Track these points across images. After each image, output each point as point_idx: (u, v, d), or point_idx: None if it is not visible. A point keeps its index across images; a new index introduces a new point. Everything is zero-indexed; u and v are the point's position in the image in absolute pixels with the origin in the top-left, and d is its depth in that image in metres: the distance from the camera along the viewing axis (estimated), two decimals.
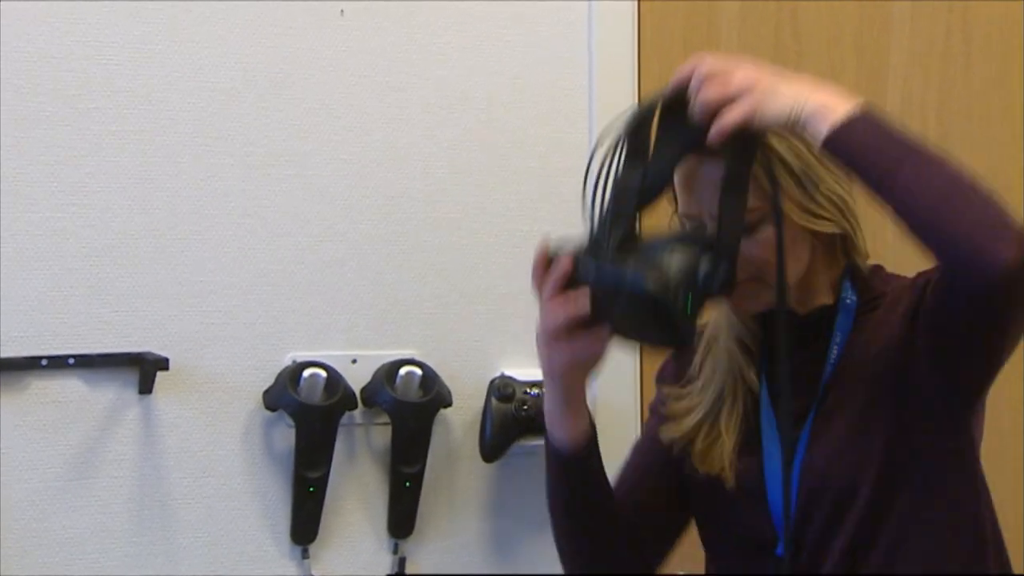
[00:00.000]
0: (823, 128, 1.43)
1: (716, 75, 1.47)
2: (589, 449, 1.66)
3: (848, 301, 1.63)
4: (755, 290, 1.58)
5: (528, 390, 2.09)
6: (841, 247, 1.62)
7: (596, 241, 1.52)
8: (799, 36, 2.32)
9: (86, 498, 1.94)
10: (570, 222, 2.17)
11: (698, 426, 1.69)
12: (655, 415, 1.77)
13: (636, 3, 2.23)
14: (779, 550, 1.64)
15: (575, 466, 1.67)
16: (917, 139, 1.44)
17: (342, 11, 2.07)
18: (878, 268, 1.66)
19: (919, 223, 1.41)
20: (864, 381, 1.61)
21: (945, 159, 1.42)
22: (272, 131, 2.03)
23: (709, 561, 1.79)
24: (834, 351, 1.63)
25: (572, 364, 1.57)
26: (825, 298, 1.64)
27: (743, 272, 1.52)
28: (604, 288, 1.48)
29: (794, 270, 1.59)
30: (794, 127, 1.45)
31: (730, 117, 1.45)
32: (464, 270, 2.13)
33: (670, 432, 1.71)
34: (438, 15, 2.11)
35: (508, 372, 2.12)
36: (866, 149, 1.43)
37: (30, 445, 1.91)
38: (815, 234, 1.59)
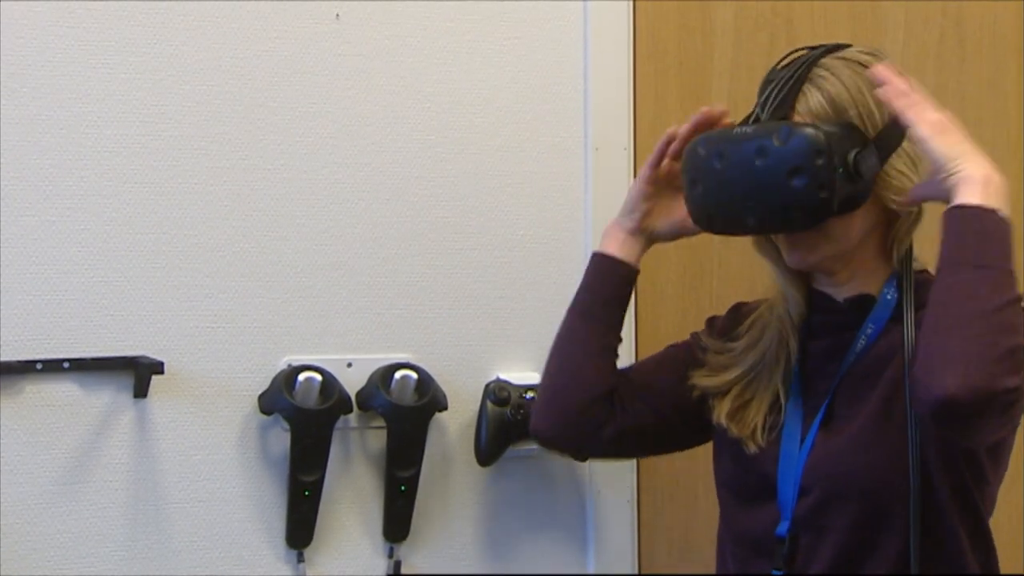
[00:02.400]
0: (968, 195, 1.51)
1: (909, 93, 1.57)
2: (628, 280, 1.85)
3: (889, 297, 1.67)
4: (815, 241, 1.66)
5: (524, 394, 2.08)
6: (902, 239, 1.67)
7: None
8: (793, 39, 2.32)
9: (81, 502, 1.94)
10: (566, 226, 2.19)
11: (732, 383, 1.76)
12: (693, 345, 1.85)
13: (631, 5, 2.24)
14: (781, 530, 1.67)
15: (612, 271, 1.84)
16: (1005, 259, 1.50)
17: (337, 14, 2.07)
18: (931, 279, 1.64)
19: (930, 315, 1.50)
20: (882, 378, 1.65)
21: (1006, 293, 1.48)
22: (267, 135, 2.03)
23: (720, 517, 1.84)
24: (861, 341, 1.68)
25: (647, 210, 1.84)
26: (869, 288, 1.69)
27: None
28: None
29: (842, 245, 1.66)
30: (941, 170, 1.53)
31: (902, 96, 1.56)
32: (459, 274, 2.13)
33: (703, 382, 1.79)
34: (433, 18, 2.11)
35: (503, 376, 2.12)
36: (966, 235, 1.51)
37: (25, 449, 1.91)
38: (883, 215, 1.65)
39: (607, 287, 1.84)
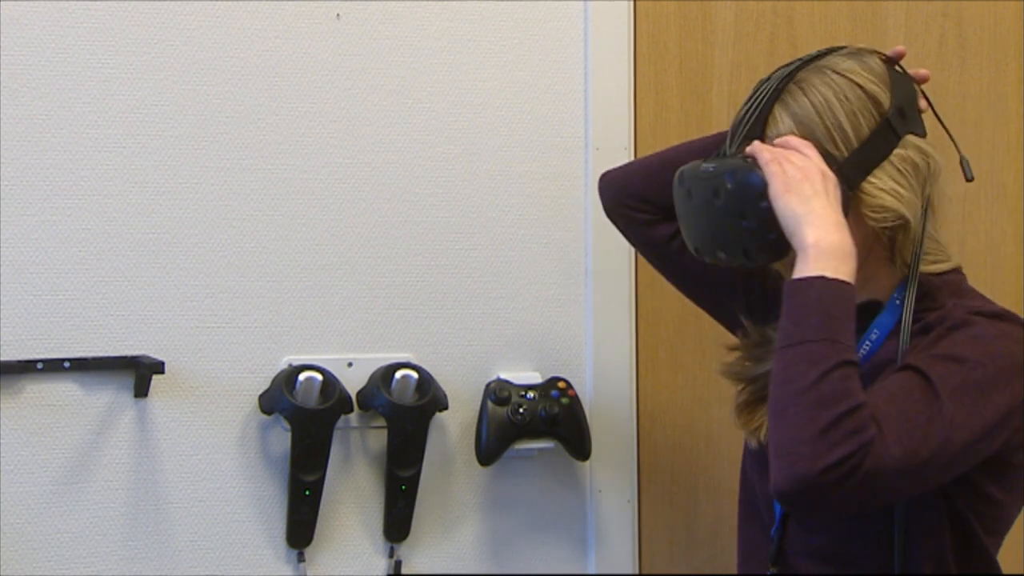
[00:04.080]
0: (799, 268, 1.51)
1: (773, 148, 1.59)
2: None
3: (897, 302, 1.62)
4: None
5: (524, 393, 2.09)
6: (901, 248, 1.62)
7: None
8: (794, 40, 2.33)
9: (82, 501, 1.94)
10: (567, 225, 2.19)
11: (756, 378, 1.72)
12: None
13: (632, 5, 2.24)
14: (772, 532, 1.67)
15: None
16: (824, 328, 1.48)
17: (338, 15, 2.07)
18: (952, 279, 1.62)
19: (772, 395, 1.48)
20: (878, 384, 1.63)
21: (822, 364, 1.46)
22: (268, 135, 2.03)
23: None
24: (865, 346, 1.64)
25: None
26: (878, 294, 1.65)
27: None
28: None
29: None
30: (789, 235, 1.54)
31: (765, 152, 1.58)
32: (460, 273, 2.13)
33: (728, 359, 1.78)
34: (434, 18, 2.11)
35: (504, 376, 2.12)
36: (788, 313, 1.50)
37: (26, 448, 1.91)
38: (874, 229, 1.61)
39: None
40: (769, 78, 1.64)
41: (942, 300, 1.60)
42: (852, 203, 1.58)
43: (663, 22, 2.27)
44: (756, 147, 1.59)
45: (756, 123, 1.62)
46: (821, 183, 1.54)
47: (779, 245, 1.56)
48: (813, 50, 1.66)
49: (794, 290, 1.51)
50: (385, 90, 2.09)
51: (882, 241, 1.62)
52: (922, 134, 1.63)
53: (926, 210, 1.62)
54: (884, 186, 1.59)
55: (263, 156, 2.02)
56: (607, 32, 2.21)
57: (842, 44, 1.67)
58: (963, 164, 1.66)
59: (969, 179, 1.66)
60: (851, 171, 1.58)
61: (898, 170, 1.59)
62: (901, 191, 1.59)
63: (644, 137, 2.24)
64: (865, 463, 1.42)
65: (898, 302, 1.63)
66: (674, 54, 2.28)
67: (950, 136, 1.67)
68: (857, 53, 1.65)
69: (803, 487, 1.42)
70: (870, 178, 1.59)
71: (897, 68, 1.65)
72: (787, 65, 1.65)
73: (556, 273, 2.18)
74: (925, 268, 1.62)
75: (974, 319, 1.54)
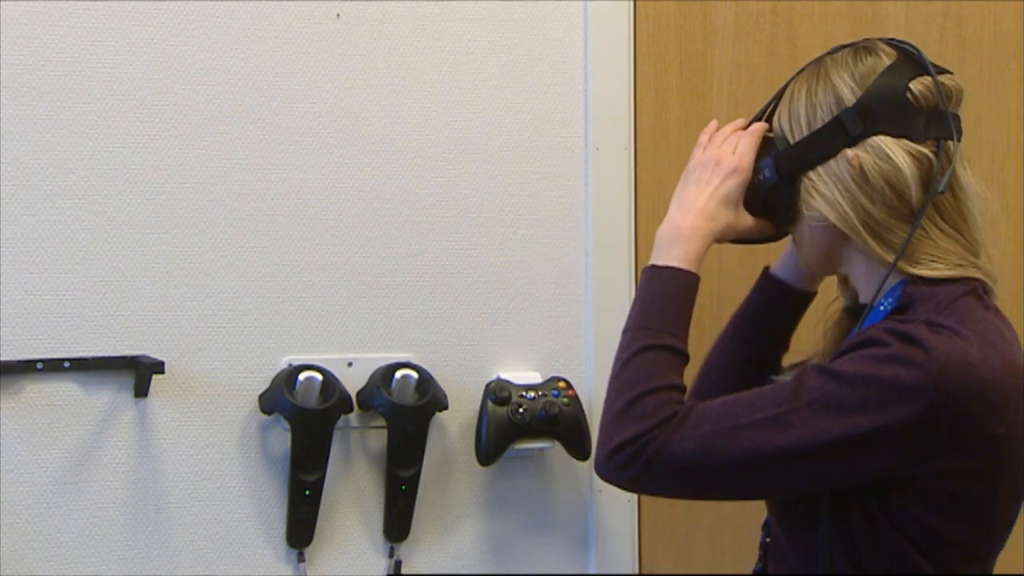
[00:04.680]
0: (657, 253, 1.64)
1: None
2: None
3: (882, 308, 1.58)
4: (798, 248, 1.69)
5: (524, 393, 2.09)
6: (867, 251, 1.59)
7: None
8: (794, 39, 2.33)
9: (82, 501, 1.94)
10: (565, 227, 2.19)
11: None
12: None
13: (632, 5, 2.24)
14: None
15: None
16: (640, 316, 1.61)
17: (338, 14, 2.07)
18: (946, 291, 1.55)
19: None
20: None
21: (627, 351, 1.59)
22: (268, 134, 2.03)
23: None
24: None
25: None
26: (864, 297, 1.62)
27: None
28: None
29: (808, 255, 1.66)
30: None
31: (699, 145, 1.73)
32: (460, 273, 2.13)
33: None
34: (434, 18, 2.11)
35: (504, 375, 2.12)
36: (635, 300, 1.64)
37: (26, 448, 1.91)
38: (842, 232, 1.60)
39: None
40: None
41: (924, 310, 1.52)
42: (794, 196, 1.61)
43: (663, 22, 2.27)
44: (705, 131, 1.71)
45: (771, 110, 1.68)
46: (711, 172, 1.64)
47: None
48: (810, 49, 1.68)
49: (640, 283, 1.64)
50: (385, 90, 2.09)
51: (841, 241, 1.61)
52: (915, 138, 1.56)
53: (919, 213, 1.54)
54: (819, 184, 1.59)
55: (263, 156, 2.02)
56: (607, 32, 2.21)
57: (838, 43, 1.66)
58: (942, 175, 1.59)
59: (941, 192, 1.57)
60: (786, 162, 1.61)
61: (838, 170, 1.57)
62: (830, 193, 1.57)
63: (644, 137, 2.24)
64: (648, 449, 1.48)
65: (883, 308, 1.59)
66: (674, 54, 2.28)
67: (938, 148, 1.59)
68: (865, 47, 1.62)
69: (600, 468, 1.54)
70: (810, 174, 1.59)
71: (910, 60, 1.59)
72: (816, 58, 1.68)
73: (556, 273, 2.18)
74: (917, 271, 1.55)
75: (882, 338, 1.49)
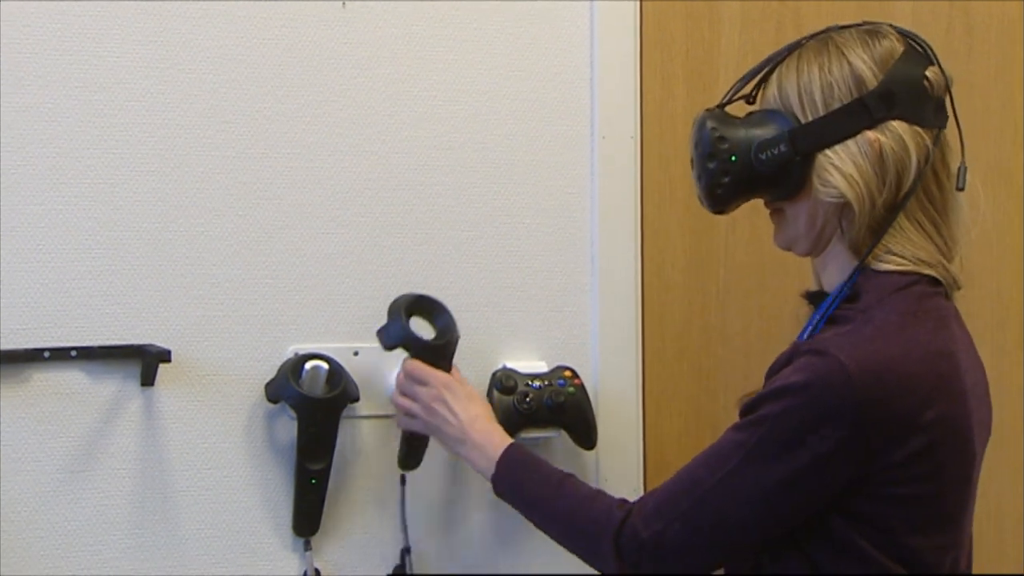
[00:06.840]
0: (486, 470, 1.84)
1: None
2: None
3: (844, 293, 1.62)
4: (779, 223, 1.70)
5: (530, 382, 2.08)
6: (850, 235, 1.62)
7: None
8: (800, 29, 2.30)
9: (88, 490, 1.94)
10: (571, 216, 2.19)
11: None
12: None
13: (638, 0, 2.23)
14: None
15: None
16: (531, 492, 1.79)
17: (343, 4, 2.06)
18: (892, 281, 1.59)
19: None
20: None
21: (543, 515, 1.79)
22: (273, 124, 2.03)
23: None
24: (805, 333, 1.64)
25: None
26: (835, 283, 1.65)
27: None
28: None
29: (799, 230, 1.66)
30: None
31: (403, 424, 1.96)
32: (466, 262, 2.13)
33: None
34: (440, 9, 2.11)
35: (510, 365, 2.12)
36: (512, 496, 1.82)
37: (32, 437, 1.91)
38: (834, 206, 1.62)
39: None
40: (779, 50, 1.68)
41: (866, 300, 1.58)
42: (806, 171, 1.60)
43: (669, 11, 2.27)
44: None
45: (757, 83, 1.70)
46: (441, 409, 1.89)
47: (736, 189, 1.66)
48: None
49: (500, 475, 1.84)
50: (390, 79, 2.09)
51: (834, 223, 1.63)
52: (926, 126, 1.60)
53: (900, 203, 1.59)
54: (837, 161, 1.60)
55: (269, 145, 2.02)
56: (613, 21, 2.20)
57: (872, 21, 1.68)
58: (960, 172, 1.64)
59: (960, 188, 1.63)
60: (805, 138, 1.61)
61: (858, 151, 1.60)
62: (850, 171, 1.59)
63: (650, 126, 2.24)
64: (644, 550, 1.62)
65: (844, 293, 1.62)
66: (680, 43, 2.28)
67: (961, 142, 1.65)
68: (872, 31, 1.65)
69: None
70: (828, 151, 1.60)
71: (917, 48, 1.65)
72: (811, 35, 1.68)
73: (562, 262, 2.17)
74: (874, 264, 1.60)
75: (796, 368, 1.54)
